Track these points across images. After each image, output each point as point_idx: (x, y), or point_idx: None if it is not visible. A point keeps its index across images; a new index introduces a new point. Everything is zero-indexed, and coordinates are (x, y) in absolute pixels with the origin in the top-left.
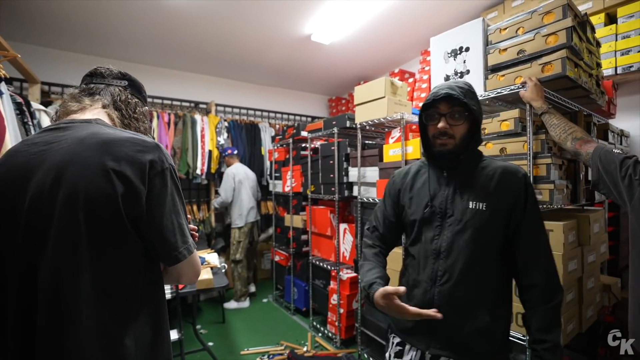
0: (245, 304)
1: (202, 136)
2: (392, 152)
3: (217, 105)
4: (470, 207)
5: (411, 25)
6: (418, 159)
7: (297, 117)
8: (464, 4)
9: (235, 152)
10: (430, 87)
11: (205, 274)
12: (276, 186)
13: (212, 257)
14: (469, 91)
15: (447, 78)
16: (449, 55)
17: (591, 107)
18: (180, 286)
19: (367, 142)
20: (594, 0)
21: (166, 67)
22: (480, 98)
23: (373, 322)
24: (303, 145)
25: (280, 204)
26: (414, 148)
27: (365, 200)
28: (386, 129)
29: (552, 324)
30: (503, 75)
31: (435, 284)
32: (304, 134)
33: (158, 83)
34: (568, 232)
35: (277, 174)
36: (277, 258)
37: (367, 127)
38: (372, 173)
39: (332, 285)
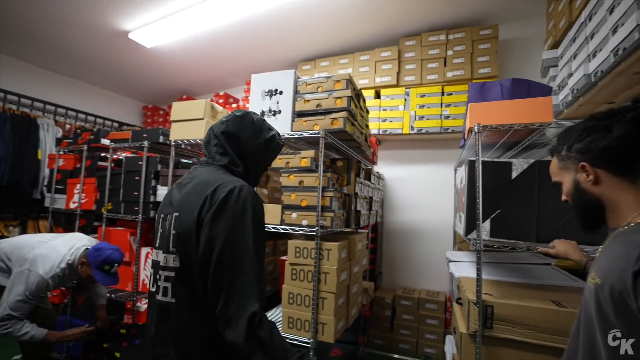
0: None
1: None
2: None
3: None
4: None
5: (237, 56)
6: None
7: (99, 120)
8: (285, 53)
9: None
10: None
11: None
12: (57, 201)
13: None
14: None
15: (262, 114)
16: (266, 94)
17: (362, 156)
18: None
19: (182, 160)
20: (369, 79)
21: None
22: (287, 136)
23: None
24: (102, 154)
25: (59, 224)
26: None
27: None
28: (202, 150)
29: None
30: (306, 121)
31: None
32: (105, 141)
33: None
34: (341, 250)
35: (59, 186)
36: None
37: (183, 146)
38: None
39: (126, 319)
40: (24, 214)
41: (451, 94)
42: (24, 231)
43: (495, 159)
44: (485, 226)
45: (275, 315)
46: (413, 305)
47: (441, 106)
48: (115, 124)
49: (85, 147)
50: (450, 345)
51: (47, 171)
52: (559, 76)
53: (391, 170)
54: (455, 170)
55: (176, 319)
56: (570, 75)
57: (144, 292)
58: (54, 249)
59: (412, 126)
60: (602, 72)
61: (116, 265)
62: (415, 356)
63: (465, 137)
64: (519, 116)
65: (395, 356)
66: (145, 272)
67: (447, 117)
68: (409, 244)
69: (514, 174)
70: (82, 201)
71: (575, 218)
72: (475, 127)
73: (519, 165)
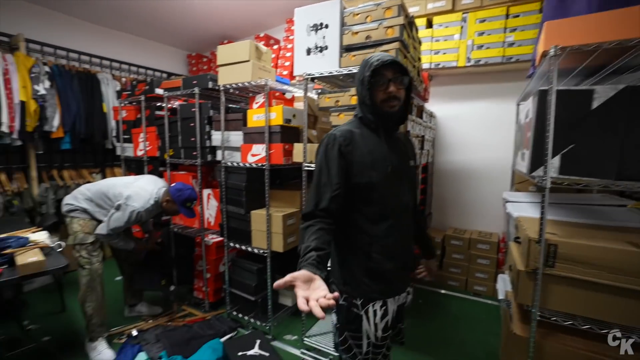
0: None
1: (6, 81)
2: (255, 117)
3: (27, 40)
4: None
5: None
6: (280, 125)
7: (150, 72)
8: None
9: None
10: (293, 56)
11: (33, 256)
12: (126, 150)
13: (41, 236)
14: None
15: (308, 51)
16: (311, 29)
17: (414, 92)
18: None
19: (230, 105)
20: (420, 5)
21: None
22: (335, 74)
23: (240, 282)
24: (158, 104)
25: (131, 170)
26: (278, 114)
27: (230, 164)
28: (250, 94)
29: None
30: (354, 56)
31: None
32: (159, 91)
33: None
34: None
35: (126, 136)
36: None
37: (232, 90)
38: (236, 137)
39: (197, 251)
40: (101, 163)
41: (518, 16)
42: (104, 177)
43: (572, 87)
44: (554, 162)
45: None
46: (464, 245)
47: (505, 32)
48: (165, 75)
49: (143, 97)
50: (502, 283)
51: (113, 123)
52: None
53: (443, 108)
54: (518, 105)
55: None
56: None
57: (208, 229)
58: (143, 189)
59: (468, 57)
60: None
61: (194, 201)
62: (465, 292)
63: (536, 64)
64: (609, 32)
65: (443, 291)
66: (209, 212)
67: (511, 45)
68: (461, 184)
69: (595, 104)
70: (147, 149)
71: None
72: (552, 50)
73: (602, 93)
